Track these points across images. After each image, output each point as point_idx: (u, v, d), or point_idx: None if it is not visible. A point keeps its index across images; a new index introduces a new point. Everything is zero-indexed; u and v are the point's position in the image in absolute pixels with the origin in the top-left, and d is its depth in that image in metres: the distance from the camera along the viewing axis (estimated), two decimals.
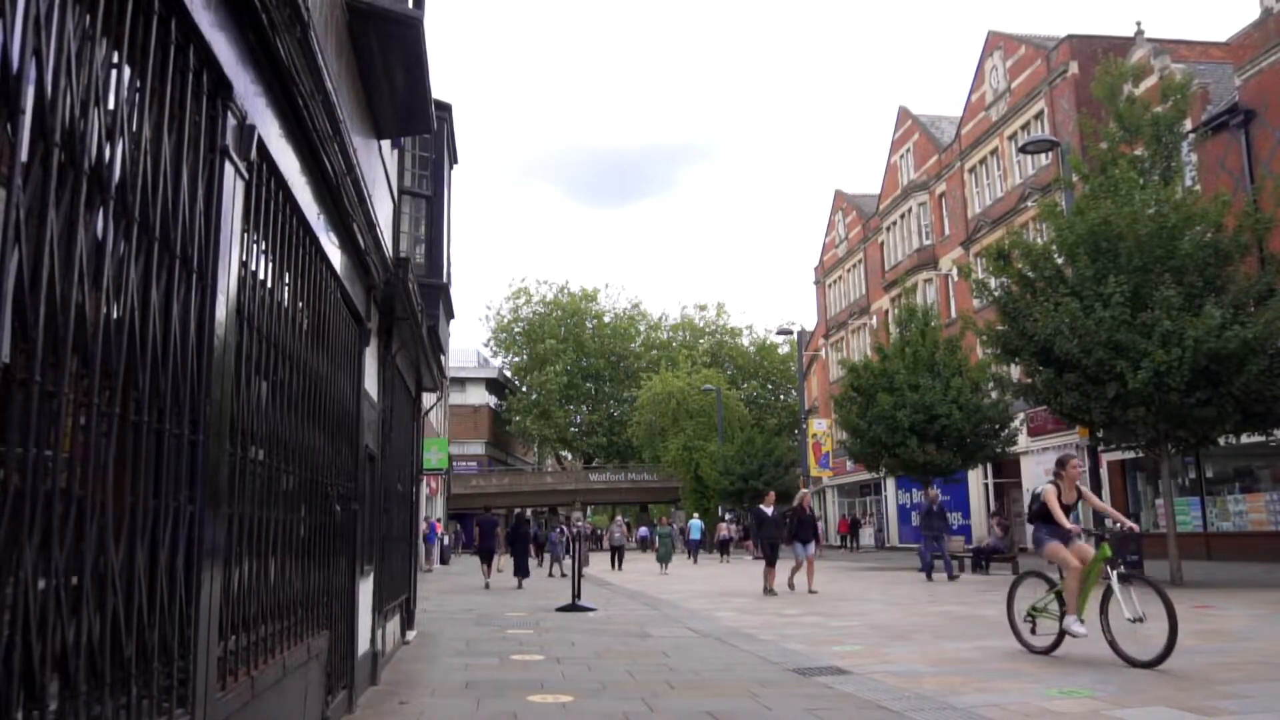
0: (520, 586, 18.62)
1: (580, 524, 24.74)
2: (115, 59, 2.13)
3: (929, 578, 18.01)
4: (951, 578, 17.64)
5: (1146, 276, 14.03)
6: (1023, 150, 18.38)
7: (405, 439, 10.03)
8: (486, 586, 18.68)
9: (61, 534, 1.83)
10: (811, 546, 15.97)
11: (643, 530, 46.74)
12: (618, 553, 27.22)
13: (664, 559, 26.55)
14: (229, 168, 2.85)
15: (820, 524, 40.49)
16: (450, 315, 18.14)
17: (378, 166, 7.46)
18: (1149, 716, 5.12)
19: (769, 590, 15.43)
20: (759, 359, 60.26)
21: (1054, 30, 36.18)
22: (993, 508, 29.53)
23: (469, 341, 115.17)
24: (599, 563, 28.45)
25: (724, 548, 34.31)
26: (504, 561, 21.63)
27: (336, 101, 4.20)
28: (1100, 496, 18.82)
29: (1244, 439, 15.68)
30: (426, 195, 10.70)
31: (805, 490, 17.86)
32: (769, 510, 16.50)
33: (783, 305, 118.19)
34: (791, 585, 15.73)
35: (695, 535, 33.76)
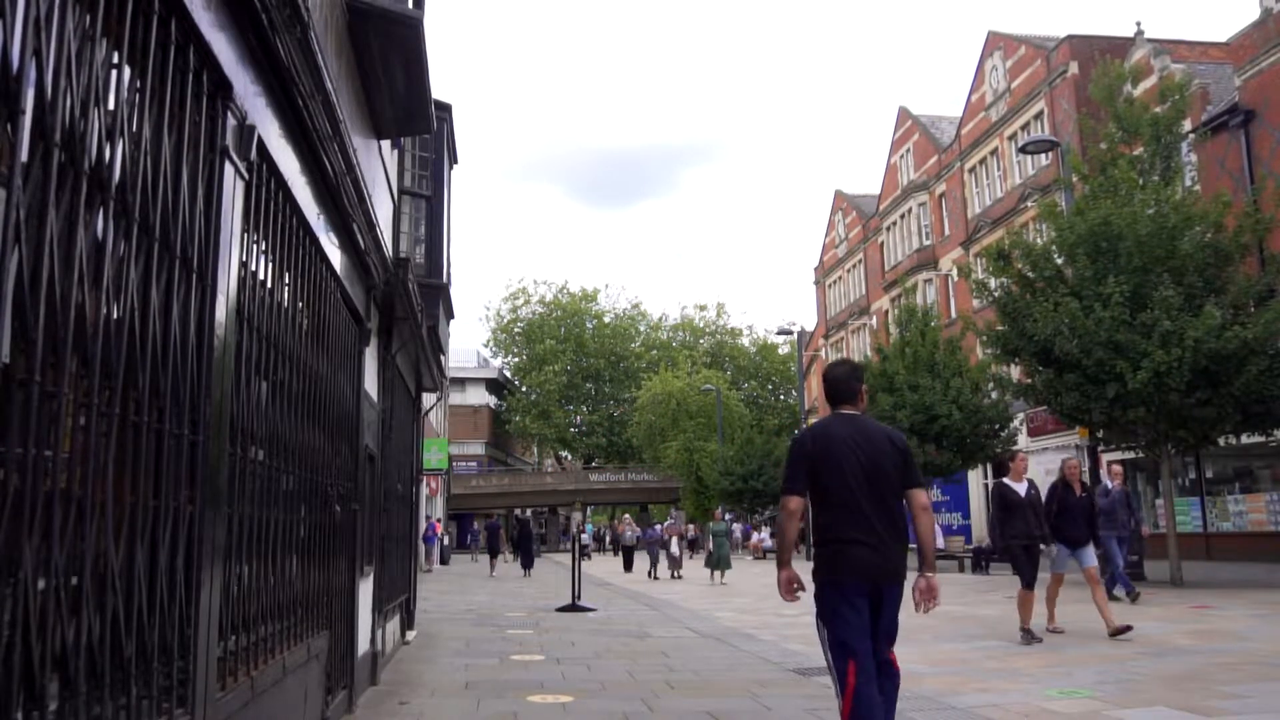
0: (527, 575, 23.55)
1: (589, 525, 25.57)
2: (115, 59, 2.13)
3: (1130, 595, 11.54)
4: (1131, 595, 11.52)
5: (1146, 277, 14.03)
6: (1023, 150, 18.37)
7: (405, 439, 10.03)
8: (491, 574, 24.59)
9: (61, 534, 1.83)
10: (1091, 551, 8.98)
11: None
12: (628, 554, 27.01)
13: (722, 565, 19.66)
14: (229, 168, 2.85)
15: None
16: (450, 315, 18.17)
17: (378, 166, 7.46)
18: (1149, 716, 5.12)
19: (1027, 632, 8.44)
20: (759, 359, 60.23)
21: (1054, 30, 36.21)
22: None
23: (469, 341, 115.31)
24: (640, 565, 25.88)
25: (693, 546, 34.79)
26: (507, 556, 27.82)
27: (336, 101, 4.20)
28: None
29: (1244, 439, 15.68)
30: (426, 195, 10.68)
31: (1071, 457, 10.58)
32: (1021, 488, 8.94)
33: (783, 305, 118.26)
34: (1120, 625, 8.39)
35: None
